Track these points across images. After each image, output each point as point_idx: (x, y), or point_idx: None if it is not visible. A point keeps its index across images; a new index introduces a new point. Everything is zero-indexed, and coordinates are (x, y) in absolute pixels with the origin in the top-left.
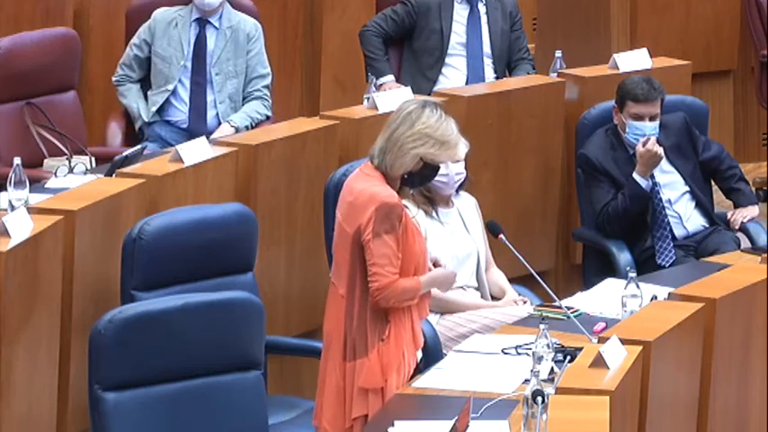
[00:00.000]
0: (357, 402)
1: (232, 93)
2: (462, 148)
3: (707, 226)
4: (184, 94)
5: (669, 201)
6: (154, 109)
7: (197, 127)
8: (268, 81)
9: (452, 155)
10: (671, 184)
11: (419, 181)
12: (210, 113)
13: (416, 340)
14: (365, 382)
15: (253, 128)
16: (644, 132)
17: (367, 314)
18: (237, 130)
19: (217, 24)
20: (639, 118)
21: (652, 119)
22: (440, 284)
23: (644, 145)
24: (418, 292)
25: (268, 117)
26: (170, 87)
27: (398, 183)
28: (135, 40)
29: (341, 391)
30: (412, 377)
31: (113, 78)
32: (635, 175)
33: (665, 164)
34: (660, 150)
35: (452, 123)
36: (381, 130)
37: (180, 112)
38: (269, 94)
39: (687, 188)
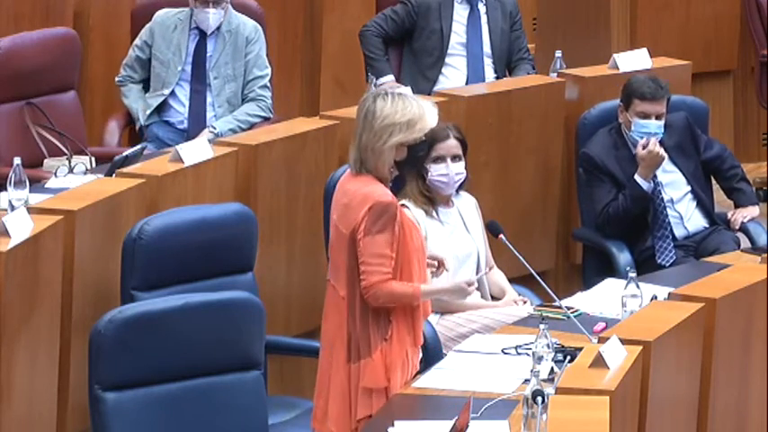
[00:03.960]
0: (362, 403)
1: (230, 96)
2: (430, 115)
3: (707, 226)
4: (183, 96)
5: (671, 200)
6: (148, 112)
7: (196, 131)
8: (265, 81)
9: (423, 127)
10: (673, 184)
11: (412, 164)
12: (209, 116)
13: (417, 339)
14: (368, 382)
15: (244, 130)
16: (649, 130)
17: (369, 315)
18: (218, 136)
19: (216, 30)
20: (646, 116)
21: (658, 117)
22: (450, 296)
23: (644, 147)
24: (416, 300)
25: (266, 118)
26: (166, 92)
27: (391, 177)
28: (137, 41)
29: (346, 392)
30: (414, 376)
31: (116, 78)
32: (637, 177)
33: (667, 163)
34: (662, 150)
35: (406, 100)
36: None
37: (178, 113)
38: (265, 95)
39: (689, 188)
